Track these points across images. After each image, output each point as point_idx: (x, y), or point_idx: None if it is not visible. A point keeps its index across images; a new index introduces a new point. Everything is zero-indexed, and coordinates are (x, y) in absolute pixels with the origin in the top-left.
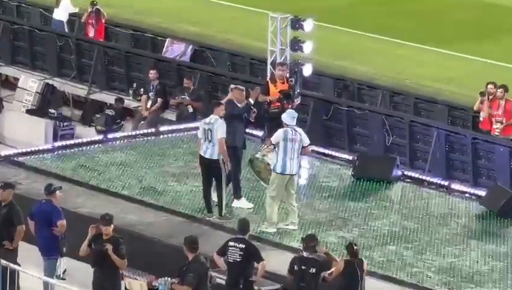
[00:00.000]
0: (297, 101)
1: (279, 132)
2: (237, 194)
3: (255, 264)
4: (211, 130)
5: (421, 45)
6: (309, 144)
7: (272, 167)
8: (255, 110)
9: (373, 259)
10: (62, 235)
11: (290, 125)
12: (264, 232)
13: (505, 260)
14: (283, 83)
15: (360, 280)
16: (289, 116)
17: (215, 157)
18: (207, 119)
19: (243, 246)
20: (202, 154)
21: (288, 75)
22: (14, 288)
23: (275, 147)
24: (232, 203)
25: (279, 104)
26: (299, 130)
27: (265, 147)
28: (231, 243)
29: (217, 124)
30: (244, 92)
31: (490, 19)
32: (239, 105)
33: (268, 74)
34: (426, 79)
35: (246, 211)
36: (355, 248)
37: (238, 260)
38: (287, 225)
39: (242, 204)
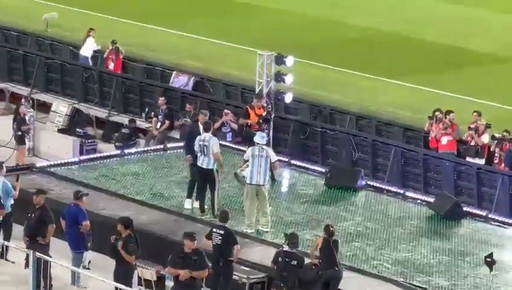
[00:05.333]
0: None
1: (249, 150)
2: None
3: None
4: (206, 146)
5: (382, 78)
6: (276, 160)
7: (245, 179)
8: None
9: (342, 253)
10: (87, 232)
11: (259, 144)
12: (246, 232)
13: (449, 254)
14: (260, 109)
15: (334, 255)
16: (259, 137)
17: (210, 167)
18: (202, 137)
19: (223, 232)
20: (200, 165)
21: (264, 104)
22: (46, 275)
23: (247, 163)
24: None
25: (257, 126)
26: (267, 148)
27: (244, 164)
28: (214, 230)
29: (212, 141)
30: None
31: (440, 56)
32: (201, 127)
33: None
34: (386, 105)
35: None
36: (331, 229)
37: (219, 243)
38: (262, 226)
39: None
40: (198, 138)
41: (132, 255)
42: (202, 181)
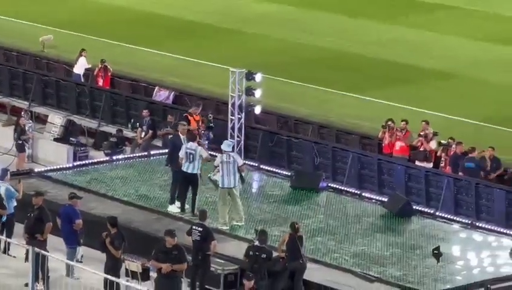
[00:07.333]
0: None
1: (218, 157)
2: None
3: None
4: (192, 154)
5: (341, 92)
6: (243, 164)
7: (217, 183)
8: None
9: (306, 247)
10: (80, 230)
11: (226, 151)
12: (221, 229)
13: (401, 247)
14: (197, 116)
15: (299, 249)
16: (225, 145)
17: (195, 172)
18: (188, 145)
19: (201, 229)
20: (185, 170)
21: (199, 110)
22: (44, 269)
23: (218, 168)
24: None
25: (197, 132)
26: (233, 154)
27: (215, 169)
28: (194, 227)
29: (198, 150)
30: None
31: (392, 73)
32: (182, 137)
33: (229, 114)
34: (344, 116)
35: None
36: (296, 226)
37: (198, 239)
38: (237, 221)
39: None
40: (184, 146)
41: (118, 250)
42: (186, 185)
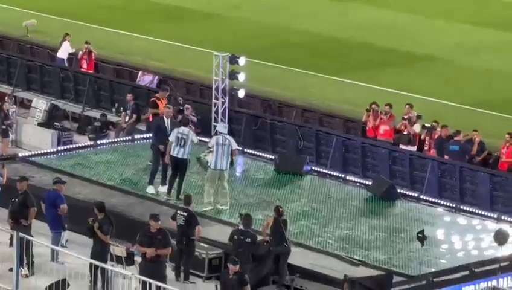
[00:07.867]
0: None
1: (213, 138)
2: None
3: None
4: (184, 139)
5: (325, 75)
6: (236, 148)
7: (209, 164)
8: None
9: (290, 231)
10: (64, 214)
11: (222, 133)
12: (206, 211)
13: (386, 231)
14: (164, 99)
15: (283, 232)
16: (222, 127)
17: (185, 157)
18: (180, 130)
19: (185, 214)
20: (175, 155)
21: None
22: (28, 253)
23: (210, 149)
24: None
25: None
26: (229, 137)
27: (207, 150)
28: (178, 212)
29: (190, 134)
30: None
31: (375, 57)
32: (166, 120)
33: (213, 98)
34: (328, 100)
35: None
36: (280, 209)
37: (182, 224)
38: (222, 205)
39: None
40: (176, 130)
41: (107, 235)
42: (175, 169)
